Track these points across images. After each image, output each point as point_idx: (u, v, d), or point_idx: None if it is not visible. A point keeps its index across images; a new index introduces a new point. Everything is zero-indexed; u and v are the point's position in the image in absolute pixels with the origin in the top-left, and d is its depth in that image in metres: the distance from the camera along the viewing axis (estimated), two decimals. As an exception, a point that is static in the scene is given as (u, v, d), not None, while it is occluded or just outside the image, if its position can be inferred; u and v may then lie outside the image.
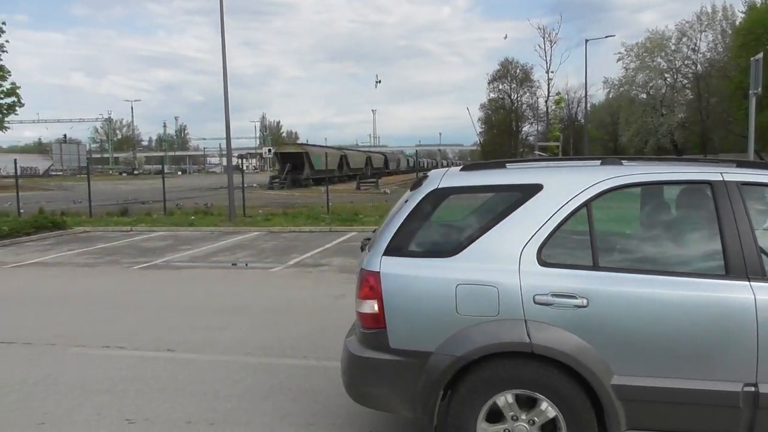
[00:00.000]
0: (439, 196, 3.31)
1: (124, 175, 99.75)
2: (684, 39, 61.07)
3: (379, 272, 3.18)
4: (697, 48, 61.01)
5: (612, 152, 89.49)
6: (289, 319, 7.03)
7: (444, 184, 3.34)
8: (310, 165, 48.81)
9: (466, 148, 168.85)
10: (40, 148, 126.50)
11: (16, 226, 15.64)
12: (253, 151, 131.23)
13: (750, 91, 9.54)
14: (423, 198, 3.30)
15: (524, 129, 73.25)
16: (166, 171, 42.51)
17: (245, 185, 22.20)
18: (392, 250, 3.22)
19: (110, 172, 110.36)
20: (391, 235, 3.26)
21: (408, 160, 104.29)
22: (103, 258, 12.25)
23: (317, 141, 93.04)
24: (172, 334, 6.44)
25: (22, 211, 19.89)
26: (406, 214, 3.28)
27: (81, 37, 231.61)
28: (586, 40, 39.02)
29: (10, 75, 32.80)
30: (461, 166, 3.59)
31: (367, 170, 66.62)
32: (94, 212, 20.56)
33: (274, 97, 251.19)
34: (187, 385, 4.87)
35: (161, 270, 10.82)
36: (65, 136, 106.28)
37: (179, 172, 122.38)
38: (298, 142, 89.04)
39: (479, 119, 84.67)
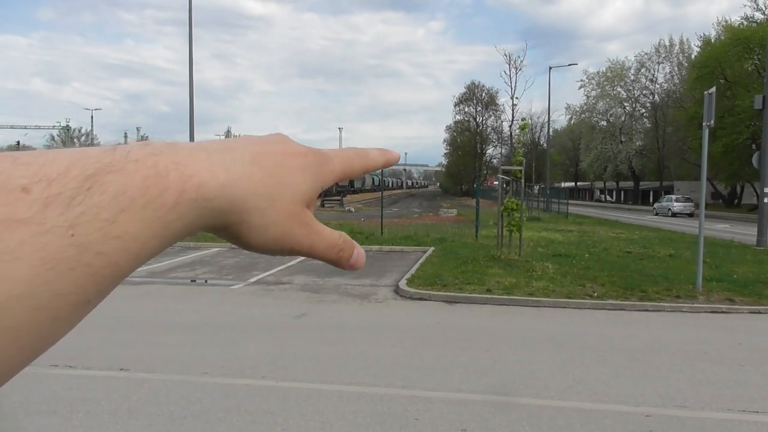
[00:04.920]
0: None
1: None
2: (642, 69, 63.49)
3: None
4: (654, 79, 63.45)
5: (573, 177, 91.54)
6: (248, 338, 6.87)
7: None
8: (275, 181, 48.28)
9: (432, 169, 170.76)
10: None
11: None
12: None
13: (704, 123, 9.89)
14: None
15: (488, 151, 74.42)
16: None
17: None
18: None
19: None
20: None
21: (373, 178, 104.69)
22: (55, 271, 11.80)
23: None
24: (126, 352, 6.21)
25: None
26: None
27: (45, 42, 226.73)
28: (550, 67, 40.07)
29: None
30: None
31: (332, 188, 66.37)
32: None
33: (242, 111, 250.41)
34: (141, 406, 4.68)
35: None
36: (18, 142, 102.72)
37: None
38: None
39: (444, 140, 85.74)
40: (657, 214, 41.07)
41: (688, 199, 41.54)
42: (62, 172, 0.30)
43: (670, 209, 40.63)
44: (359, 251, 0.43)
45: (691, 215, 37.94)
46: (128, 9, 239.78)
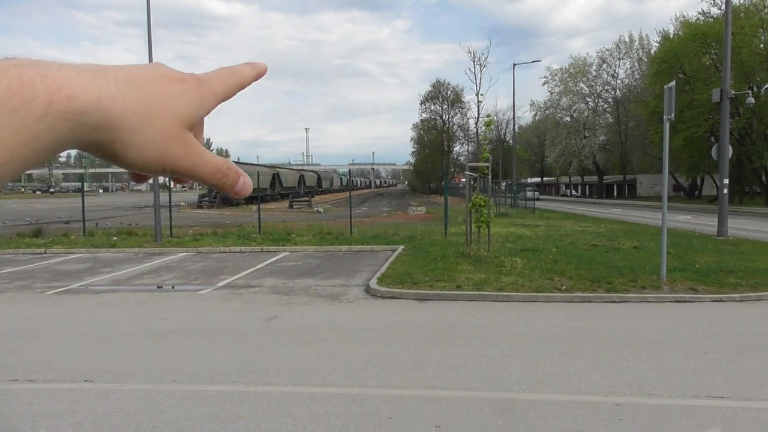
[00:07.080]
0: None
1: (38, 193, 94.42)
2: (604, 65, 64.70)
3: None
4: (616, 74, 64.73)
5: (539, 173, 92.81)
6: (218, 344, 6.75)
7: None
8: (242, 183, 47.75)
9: (399, 167, 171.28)
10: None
11: None
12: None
13: (664, 117, 10.10)
14: None
15: (455, 149, 74.84)
16: (86, 189, 40.54)
17: (172, 204, 21.44)
18: None
19: (22, 189, 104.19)
20: None
21: (341, 178, 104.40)
22: (12, 283, 11.41)
23: (250, 159, 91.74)
24: (91, 363, 6.03)
25: None
26: None
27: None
28: (514, 64, 40.54)
29: None
30: None
31: (299, 189, 65.97)
32: (2, 233, 19.25)
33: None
34: (106, 417, 4.54)
35: (79, 295, 10.19)
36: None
37: (101, 190, 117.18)
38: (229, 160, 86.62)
39: (412, 139, 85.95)
40: None
41: (535, 190, 61.39)
42: None
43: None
44: (246, 179, 0.44)
45: (538, 200, 53.34)
46: (85, 10, 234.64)
